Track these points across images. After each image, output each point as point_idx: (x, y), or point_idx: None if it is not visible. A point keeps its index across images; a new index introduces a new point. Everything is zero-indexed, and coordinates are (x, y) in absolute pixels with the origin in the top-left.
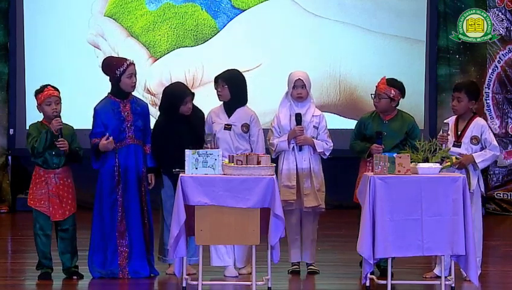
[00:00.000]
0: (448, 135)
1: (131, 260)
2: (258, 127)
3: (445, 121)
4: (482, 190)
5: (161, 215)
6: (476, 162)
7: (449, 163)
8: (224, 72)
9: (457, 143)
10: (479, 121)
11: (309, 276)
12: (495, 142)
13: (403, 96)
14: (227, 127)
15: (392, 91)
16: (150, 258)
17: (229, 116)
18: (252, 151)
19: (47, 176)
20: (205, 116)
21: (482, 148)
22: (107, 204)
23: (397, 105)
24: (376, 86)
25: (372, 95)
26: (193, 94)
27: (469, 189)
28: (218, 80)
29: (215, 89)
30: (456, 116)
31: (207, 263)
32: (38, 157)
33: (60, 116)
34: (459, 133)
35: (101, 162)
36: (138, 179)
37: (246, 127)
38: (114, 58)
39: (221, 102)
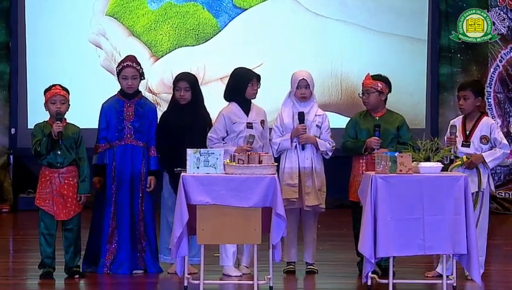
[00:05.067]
0: (456, 137)
1: (117, 256)
2: (268, 122)
3: (452, 124)
4: (493, 188)
5: (161, 214)
6: (486, 161)
7: (459, 162)
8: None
9: (466, 143)
10: (487, 120)
11: (308, 275)
12: (505, 141)
13: (390, 90)
14: (250, 126)
15: (379, 84)
16: (144, 257)
17: (247, 114)
18: (263, 147)
19: (51, 175)
20: (217, 117)
21: (491, 148)
22: (103, 200)
23: (386, 100)
24: (362, 84)
25: (360, 94)
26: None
27: (479, 188)
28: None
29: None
30: (462, 116)
31: (209, 262)
32: (42, 159)
33: (62, 119)
34: (467, 133)
35: (101, 160)
36: (132, 178)
37: (263, 123)
38: (127, 56)
39: (232, 102)
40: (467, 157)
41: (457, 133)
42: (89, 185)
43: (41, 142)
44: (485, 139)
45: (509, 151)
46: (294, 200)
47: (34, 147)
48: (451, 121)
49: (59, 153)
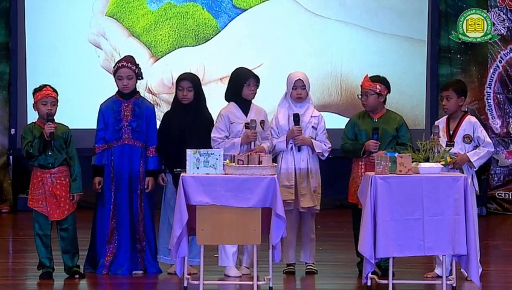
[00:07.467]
0: (439, 137)
1: (116, 257)
2: (269, 123)
3: (435, 124)
4: (477, 189)
5: (161, 214)
6: (472, 161)
7: (443, 163)
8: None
9: (450, 143)
10: (470, 119)
11: (308, 276)
12: (488, 139)
13: (389, 91)
14: (248, 126)
15: (378, 86)
16: (144, 257)
17: (246, 115)
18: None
19: (43, 176)
20: (217, 118)
21: (475, 147)
22: (103, 201)
23: (385, 101)
24: (361, 85)
25: (359, 96)
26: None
27: None
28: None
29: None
30: (446, 116)
31: (208, 262)
32: (33, 161)
33: (53, 120)
34: (451, 132)
35: (100, 160)
36: (131, 178)
37: (263, 124)
38: (124, 57)
39: (231, 102)
40: (450, 157)
41: (441, 133)
42: (81, 184)
43: (33, 143)
44: (468, 138)
45: (493, 150)
46: (291, 202)
47: (26, 149)
48: (435, 122)
49: (50, 153)
